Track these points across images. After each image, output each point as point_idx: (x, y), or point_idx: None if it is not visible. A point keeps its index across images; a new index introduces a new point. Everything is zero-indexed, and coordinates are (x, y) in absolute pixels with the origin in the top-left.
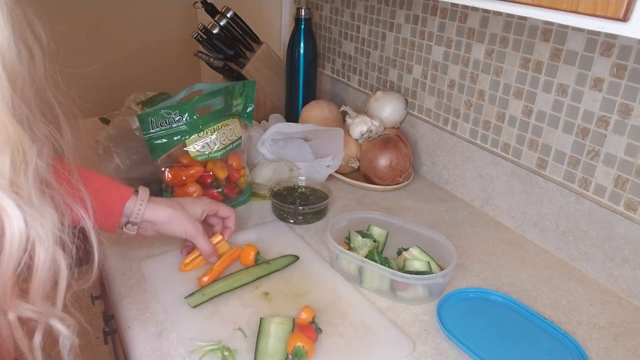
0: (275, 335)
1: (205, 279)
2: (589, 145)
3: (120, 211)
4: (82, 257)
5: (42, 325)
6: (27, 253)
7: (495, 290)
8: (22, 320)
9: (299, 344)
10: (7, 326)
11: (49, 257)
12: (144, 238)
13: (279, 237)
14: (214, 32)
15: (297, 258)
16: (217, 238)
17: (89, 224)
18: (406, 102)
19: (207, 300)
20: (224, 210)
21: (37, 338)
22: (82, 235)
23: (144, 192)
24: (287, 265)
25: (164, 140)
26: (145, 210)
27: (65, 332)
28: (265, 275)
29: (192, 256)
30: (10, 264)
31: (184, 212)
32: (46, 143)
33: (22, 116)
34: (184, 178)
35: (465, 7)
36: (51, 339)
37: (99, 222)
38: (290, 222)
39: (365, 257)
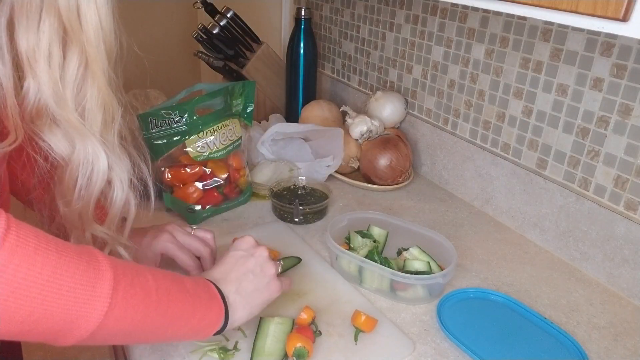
0: (274, 335)
1: None
2: (589, 145)
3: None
4: (142, 196)
5: (109, 246)
6: (105, 187)
7: (495, 290)
8: (94, 239)
9: (300, 344)
10: (84, 242)
11: (124, 195)
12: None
13: (279, 237)
14: (214, 32)
15: (299, 260)
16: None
17: (147, 173)
18: (406, 102)
19: None
20: (182, 258)
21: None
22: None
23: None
24: (290, 268)
25: (164, 140)
26: None
27: (126, 256)
28: None
29: None
30: (93, 194)
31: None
32: (126, 109)
33: (112, 85)
34: (184, 178)
35: (465, 7)
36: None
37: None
38: (295, 222)
39: (365, 257)
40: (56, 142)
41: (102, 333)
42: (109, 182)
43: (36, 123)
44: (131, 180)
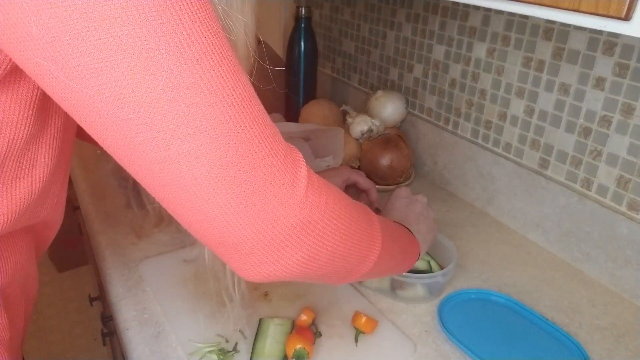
0: (273, 336)
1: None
2: (591, 145)
3: None
4: None
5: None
6: None
7: (496, 291)
8: None
9: (300, 345)
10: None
11: None
12: None
13: None
14: None
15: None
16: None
17: None
18: (407, 101)
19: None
20: (364, 182)
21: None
22: None
23: None
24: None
25: None
26: None
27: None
28: None
29: None
30: None
31: None
32: None
33: None
34: None
35: (466, 5)
36: None
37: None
38: None
39: None
40: None
41: (371, 272)
42: None
43: None
44: None
